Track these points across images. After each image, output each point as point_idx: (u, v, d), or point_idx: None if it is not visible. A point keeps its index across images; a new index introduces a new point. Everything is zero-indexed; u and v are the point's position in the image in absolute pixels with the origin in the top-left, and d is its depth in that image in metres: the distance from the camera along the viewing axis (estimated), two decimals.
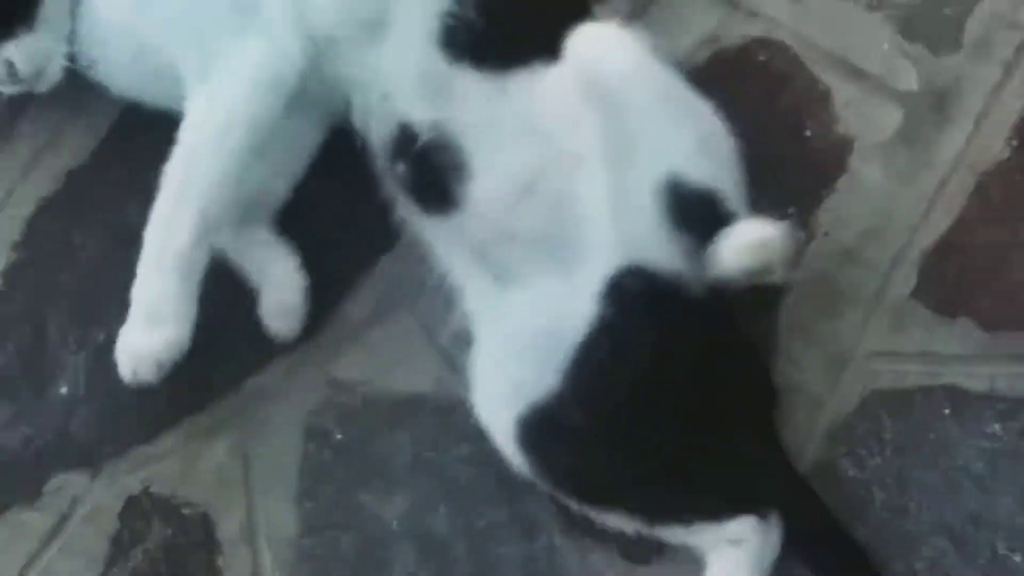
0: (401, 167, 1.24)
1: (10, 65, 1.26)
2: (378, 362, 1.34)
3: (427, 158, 1.22)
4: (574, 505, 1.23)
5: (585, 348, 1.16)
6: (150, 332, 1.21)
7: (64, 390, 1.34)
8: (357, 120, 1.28)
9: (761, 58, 1.38)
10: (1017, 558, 1.20)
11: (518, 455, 1.21)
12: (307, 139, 1.35)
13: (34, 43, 1.27)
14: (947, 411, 1.25)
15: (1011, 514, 1.21)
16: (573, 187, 1.20)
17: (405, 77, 1.24)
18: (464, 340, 1.28)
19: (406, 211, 1.29)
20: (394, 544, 1.27)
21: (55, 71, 1.30)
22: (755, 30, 1.39)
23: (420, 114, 1.22)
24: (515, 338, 1.24)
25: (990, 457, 1.23)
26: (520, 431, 1.20)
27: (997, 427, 1.24)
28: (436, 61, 1.23)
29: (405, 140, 1.22)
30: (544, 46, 1.20)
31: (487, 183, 1.21)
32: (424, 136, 1.21)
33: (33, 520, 1.29)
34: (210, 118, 1.22)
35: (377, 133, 1.26)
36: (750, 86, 1.38)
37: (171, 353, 1.20)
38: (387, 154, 1.25)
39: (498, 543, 1.27)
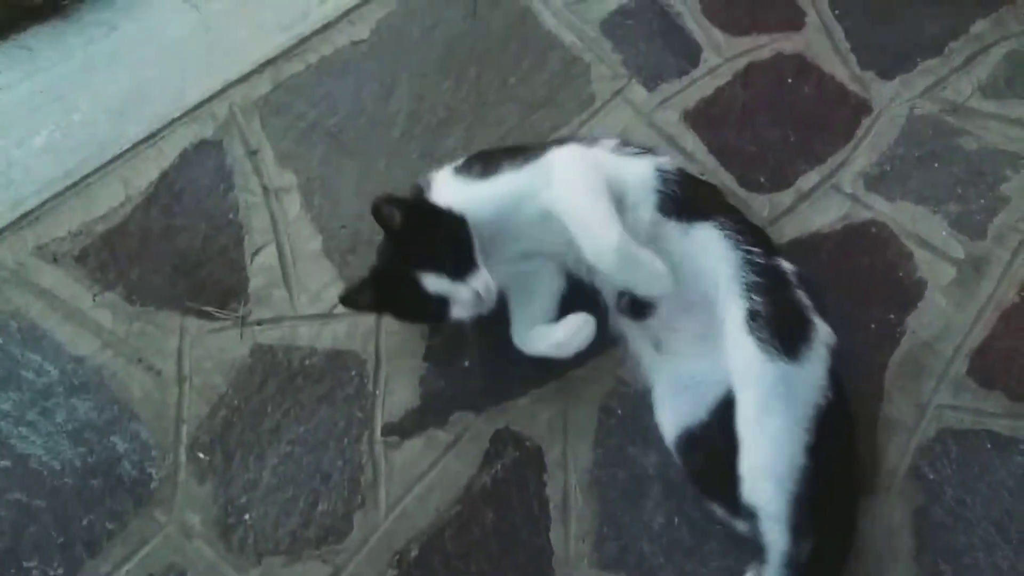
0: (625, 299, 1.24)
1: (477, 294, 1.13)
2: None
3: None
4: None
5: (725, 400, 1.15)
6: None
7: (466, 363, 1.31)
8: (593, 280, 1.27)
9: (872, 230, 1.41)
10: None
11: (676, 455, 1.22)
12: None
13: (484, 276, 1.14)
14: (989, 446, 1.26)
15: None
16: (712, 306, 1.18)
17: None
18: None
19: (618, 321, 1.28)
20: (648, 482, 1.25)
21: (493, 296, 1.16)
22: (869, 215, 1.43)
23: None
24: (681, 385, 1.23)
25: (1016, 478, 1.24)
26: (678, 442, 1.22)
27: (1020, 459, 1.25)
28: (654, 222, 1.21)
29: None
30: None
31: (667, 304, 1.21)
32: None
33: (440, 436, 1.27)
34: None
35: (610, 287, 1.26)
36: (867, 247, 1.40)
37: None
38: (618, 295, 1.25)
39: None
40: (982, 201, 1.45)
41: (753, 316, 1.12)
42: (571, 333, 1.20)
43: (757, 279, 1.15)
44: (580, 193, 1.14)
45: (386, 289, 1.18)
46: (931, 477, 1.25)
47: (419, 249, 1.14)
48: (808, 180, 1.47)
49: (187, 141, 1.47)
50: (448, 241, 1.15)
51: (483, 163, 1.24)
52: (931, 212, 1.44)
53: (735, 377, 1.12)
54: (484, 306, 1.15)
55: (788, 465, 1.08)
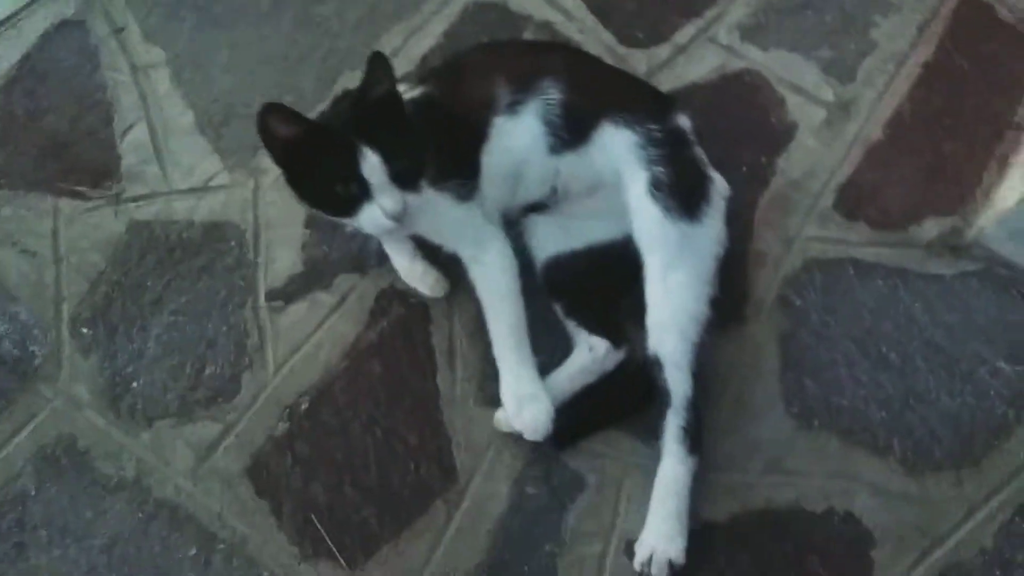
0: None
1: (400, 212, 1.03)
2: None
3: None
4: None
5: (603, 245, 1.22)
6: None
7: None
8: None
9: (746, 79, 1.44)
10: (892, 355, 1.26)
11: (540, 278, 1.26)
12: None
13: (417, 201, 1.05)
14: (851, 271, 1.31)
15: (889, 330, 1.27)
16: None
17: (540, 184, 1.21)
18: None
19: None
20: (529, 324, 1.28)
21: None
22: (743, 64, 1.45)
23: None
24: (561, 223, 1.25)
25: (876, 299, 1.29)
26: (546, 264, 1.26)
27: (880, 282, 1.31)
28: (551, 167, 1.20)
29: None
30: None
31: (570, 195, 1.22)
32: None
33: (325, 299, 1.29)
34: (497, 281, 1.19)
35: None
36: (741, 94, 1.43)
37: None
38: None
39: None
40: (852, 46, 1.47)
41: (656, 185, 1.15)
42: (527, 423, 1.16)
43: (657, 150, 1.17)
44: None
45: (312, 138, 1.02)
46: (797, 304, 1.30)
47: (381, 127, 1.02)
48: (685, 33, 1.48)
49: (47, 22, 1.43)
50: (417, 140, 1.05)
51: None
52: (803, 59, 1.46)
53: (641, 242, 1.16)
54: (390, 229, 1.06)
55: (691, 318, 1.13)
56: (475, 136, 1.16)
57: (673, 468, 1.13)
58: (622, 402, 1.22)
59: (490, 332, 1.19)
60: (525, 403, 1.15)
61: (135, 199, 1.33)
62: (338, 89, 1.40)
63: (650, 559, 1.12)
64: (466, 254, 1.19)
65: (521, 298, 1.19)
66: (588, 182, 1.21)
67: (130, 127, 1.37)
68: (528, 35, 1.46)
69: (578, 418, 1.21)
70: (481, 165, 1.17)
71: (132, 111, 1.38)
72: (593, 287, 1.24)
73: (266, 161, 1.35)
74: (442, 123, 1.13)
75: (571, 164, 1.19)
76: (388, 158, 1.01)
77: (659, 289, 1.14)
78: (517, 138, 1.17)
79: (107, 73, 1.39)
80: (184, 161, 1.35)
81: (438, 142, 1.08)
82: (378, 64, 1.03)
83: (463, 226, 1.17)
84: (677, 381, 1.13)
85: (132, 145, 1.36)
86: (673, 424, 1.14)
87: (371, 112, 1.03)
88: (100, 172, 1.34)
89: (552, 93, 1.17)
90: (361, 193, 1.03)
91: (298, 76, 1.42)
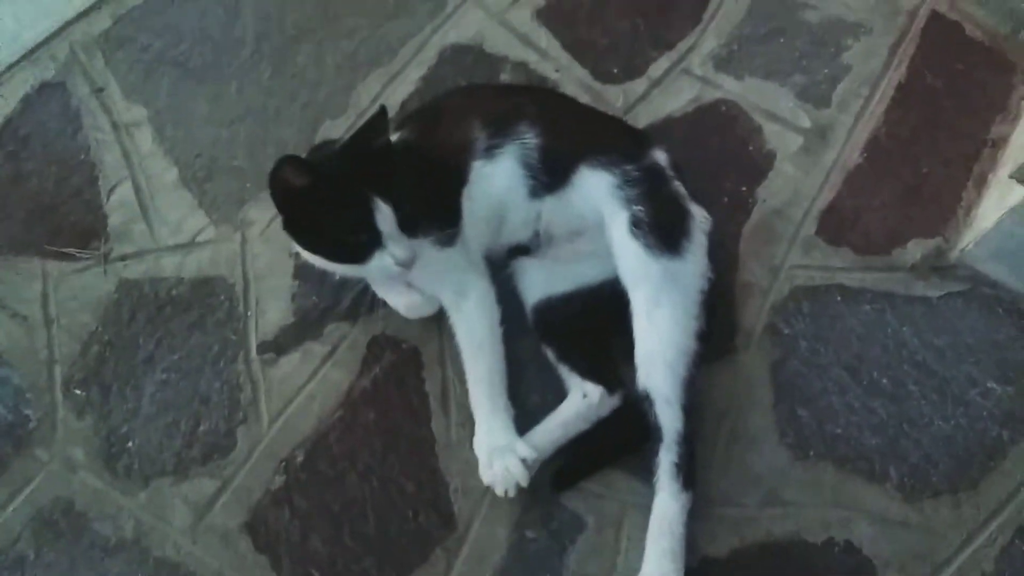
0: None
1: (409, 260, 1.08)
2: None
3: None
4: None
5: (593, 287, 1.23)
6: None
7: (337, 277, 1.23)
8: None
9: (723, 109, 1.46)
10: (884, 381, 1.27)
11: (531, 321, 1.27)
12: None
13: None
14: (839, 298, 1.33)
15: (879, 355, 1.28)
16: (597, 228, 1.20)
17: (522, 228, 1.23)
18: None
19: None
20: (525, 365, 1.25)
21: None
22: (719, 95, 1.46)
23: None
24: (550, 266, 1.25)
25: (864, 324, 1.31)
26: (536, 307, 1.27)
27: (867, 307, 1.32)
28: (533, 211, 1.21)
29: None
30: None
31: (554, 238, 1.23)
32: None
33: (317, 349, 1.29)
34: (476, 328, 1.19)
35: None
36: (718, 125, 1.45)
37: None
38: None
39: None
40: (826, 71, 1.50)
41: (636, 224, 1.16)
42: (496, 477, 1.17)
43: (635, 189, 1.18)
44: None
45: (324, 189, 1.04)
46: (786, 332, 1.31)
47: (385, 177, 1.06)
48: (659, 67, 1.50)
49: (28, 85, 1.44)
50: (431, 186, 1.12)
51: None
52: (778, 86, 1.48)
53: (626, 280, 1.17)
54: (401, 274, 1.10)
55: (679, 352, 1.14)
56: (455, 180, 1.18)
57: (667, 505, 1.14)
58: (619, 441, 1.23)
59: (467, 379, 1.19)
60: (496, 456, 1.15)
61: (123, 258, 1.34)
62: (319, 139, 1.42)
63: None
64: (447, 300, 1.21)
65: (501, 346, 1.19)
66: (570, 225, 1.22)
67: (115, 186, 1.38)
68: (505, 76, 1.48)
69: (576, 460, 1.22)
70: (462, 209, 1.18)
71: (116, 170, 1.38)
72: (584, 330, 1.24)
73: (252, 213, 1.37)
74: (422, 169, 1.14)
75: (552, 207, 1.20)
76: (396, 207, 1.05)
77: (645, 324, 1.15)
78: (496, 181, 1.18)
79: (90, 133, 1.40)
80: (170, 218, 1.36)
81: (419, 188, 1.09)
82: (380, 117, 1.08)
83: (445, 272, 1.18)
84: (668, 416, 1.14)
85: (118, 204, 1.36)
86: (666, 460, 1.14)
87: (375, 163, 1.07)
88: (87, 232, 1.35)
89: (529, 137, 1.18)
90: (371, 242, 1.06)
91: (279, 127, 1.43)
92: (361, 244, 1.07)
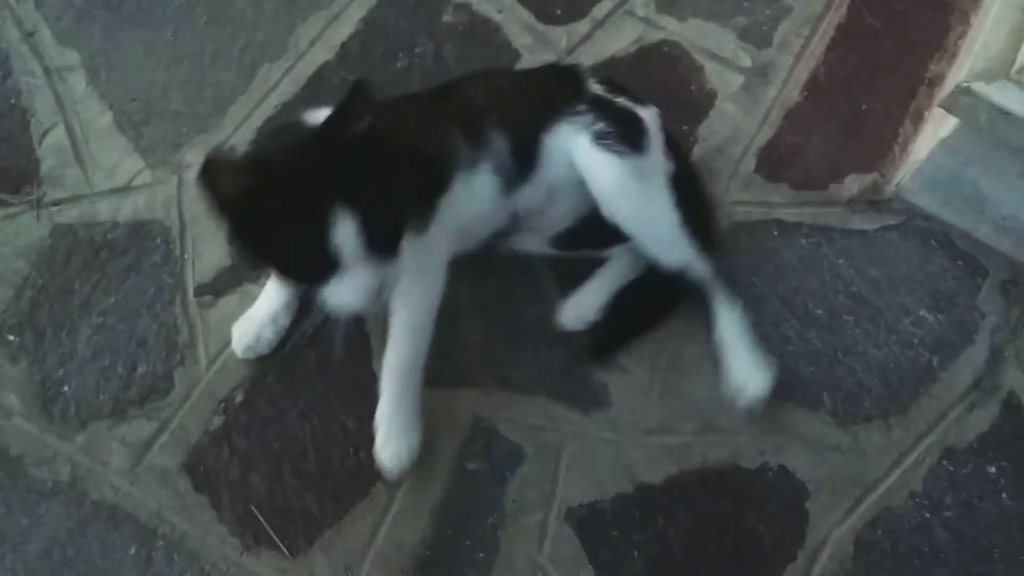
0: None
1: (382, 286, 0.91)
2: None
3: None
4: None
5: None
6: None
7: None
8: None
9: (665, 49, 1.47)
10: (819, 312, 1.29)
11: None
12: None
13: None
14: (776, 232, 1.35)
15: (815, 287, 1.31)
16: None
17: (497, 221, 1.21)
18: None
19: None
20: (462, 306, 1.29)
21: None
22: (661, 35, 1.48)
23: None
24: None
25: (800, 257, 1.33)
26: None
27: (803, 241, 1.34)
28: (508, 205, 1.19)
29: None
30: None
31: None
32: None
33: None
34: (415, 319, 1.14)
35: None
36: (660, 65, 1.46)
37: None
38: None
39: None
40: (767, 12, 1.51)
41: (599, 137, 1.16)
42: (387, 457, 1.16)
43: (587, 117, 1.18)
44: None
45: (268, 188, 0.83)
46: (724, 266, 1.30)
47: (358, 180, 0.84)
48: (602, 8, 1.50)
49: None
50: (399, 195, 0.92)
51: None
52: (720, 27, 1.49)
53: (603, 195, 1.18)
54: (371, 303, 0.93)
55: (671, 227, 1.21)
56: (436, 187, 1.11)
57: (730, 313, 1.23)
58: (656, 303, 1.29)
59: (385, 360, 1.15)
60: (393, 436, 1.15)
61: (57, 203, 1.32)
62: (259, 82, 1.41)
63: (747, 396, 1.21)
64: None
65: (433, 328, 1.15)
66: (545, 195, 1.21)
67: (47, 131, 1.35)
68: (448, 18, 1.48)
69: (616, 327, 1.26)
70: (438, 212, 1.11)
71: (49, 115, 1.36)
72: (595, 232, 1.24)
73: (189, 156, 1.36)
74: (401, 171, 0.95)
75: (525, 192, 1.19)
76: (366, 222, 0.85)
77: (637, 222, 1.19)
78: (475, 194, 1.15)
79: (21, 78, 1.38)
80: (105, 162, 1.34)
81: (395, 194, 0.93)
82: (360, 95, 0.84)
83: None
84: (698, 272, 1.23)
85: (51, 149, 1.34)
86: (712, 288, 1.24)
87: (346, 158, 0.85)
88: (19, 178, 1.32)
89: (499, 142, 1.15)
90: (328, 264, 0.86)
91: (217, 70, 1.41)
92: (312, 265, 0.87)
